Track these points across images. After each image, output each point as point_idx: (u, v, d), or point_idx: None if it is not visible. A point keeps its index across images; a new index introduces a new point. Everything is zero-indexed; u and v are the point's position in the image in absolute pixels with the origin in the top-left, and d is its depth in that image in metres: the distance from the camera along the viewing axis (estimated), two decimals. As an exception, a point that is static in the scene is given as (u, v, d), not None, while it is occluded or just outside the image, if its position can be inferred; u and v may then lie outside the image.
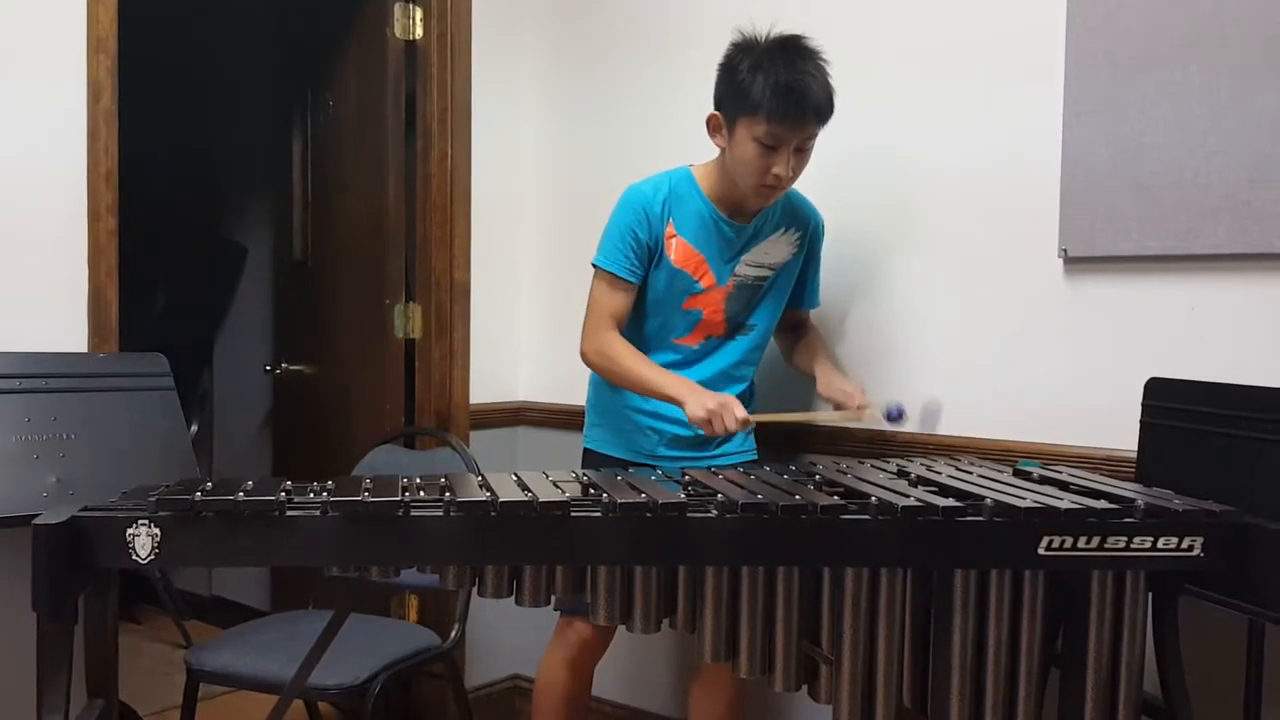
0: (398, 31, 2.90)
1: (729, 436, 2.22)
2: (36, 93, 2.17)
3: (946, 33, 2.29)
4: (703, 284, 2.17)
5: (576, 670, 2.25)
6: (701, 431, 2.09)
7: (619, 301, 2.16)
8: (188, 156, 4.15)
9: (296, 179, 3.32)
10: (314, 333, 3.27)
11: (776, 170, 2.02)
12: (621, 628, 1.61)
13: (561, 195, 3.03)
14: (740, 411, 1.99)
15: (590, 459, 2.28)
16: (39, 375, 2.01)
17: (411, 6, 2.90)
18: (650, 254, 2.16)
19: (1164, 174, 1.99)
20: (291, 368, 3.34)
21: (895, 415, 2.05)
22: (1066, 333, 2.14)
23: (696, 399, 2.02)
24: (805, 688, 1.62)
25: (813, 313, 2.40)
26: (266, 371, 3.47)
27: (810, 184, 2.25)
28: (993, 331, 2.23)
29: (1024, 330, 2.19)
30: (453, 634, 2.46)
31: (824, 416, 2.23)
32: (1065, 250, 2.12)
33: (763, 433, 2.35)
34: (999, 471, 1.86)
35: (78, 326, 2.22)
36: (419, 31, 2.90)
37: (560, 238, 3.02)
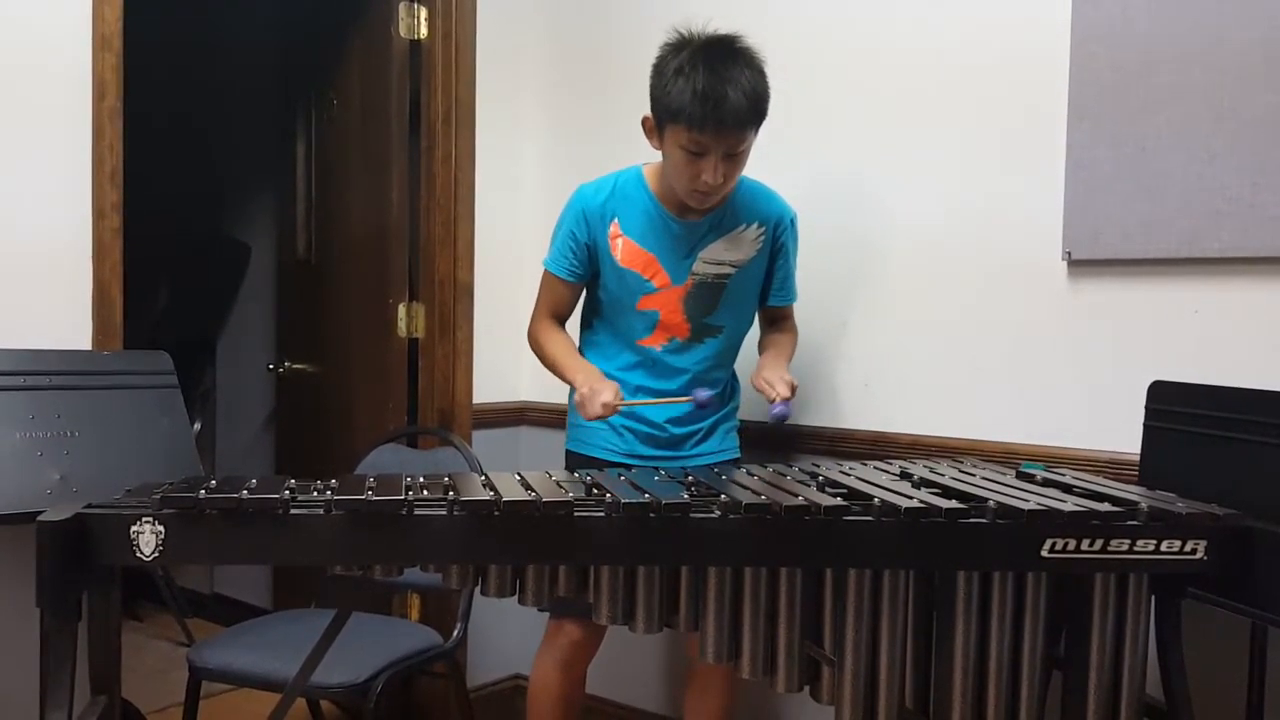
0: (402, 31, 2.90)
1: (706, 435, 2.24)
2: (40, 91, 2.17)
3: (951, 35, 2.29)
4: (655, 283, 2.15)
5: (569, 672, 2.24)
6: (675, 429, 2.19)
7: (558, 298, 2.25)
8: (192, 155, 4.16)
9: (300, 178, 3.32)
10: (317, 331, 3.27)
11: (705, 177, 1.99)
12: (614, 626, 1.61)
13: (564, 194, 3.02)
14: (607, 396, 2.01)
15: (571, 460, 2.28)
16: (43, 373, 2.01)
17: (416, 6, 2.90)
18: (590, 254, 2.17)
19: (1167, 177, 1.99)
20: (295, 366, 3.34)
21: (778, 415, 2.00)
22: (1070, 335, 2.14)
23: (580, 384, 2.06)
24: (807, 689, 1.62)
25: (816, 315, 2.40)
26: (270, 370, 3.48)
27: (810, 186, 2.25)
28: (996, 334, 2.23)
29: (1027, 333, 2.19)
30: (455, 633, 2.46)
31: (680, 400, 2.16)
32: (1069, 253, 2.12)
33: (755, 436, 2.36)
34: (1002, 474, 1.86)
35: (82, 324, 2.23)
36: (424, 31, 2.91)
37: (564, 238, 3.02)
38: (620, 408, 2.06)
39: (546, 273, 2.24)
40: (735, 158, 2.01)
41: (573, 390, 2.28)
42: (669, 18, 2.75)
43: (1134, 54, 2.02)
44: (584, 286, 2.24)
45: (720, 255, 2.17)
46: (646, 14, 2.83)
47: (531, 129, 3.10)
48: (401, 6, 2.89)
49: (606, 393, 2.01)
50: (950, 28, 2.29)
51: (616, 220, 2.16)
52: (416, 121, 2.95)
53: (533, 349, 2.28)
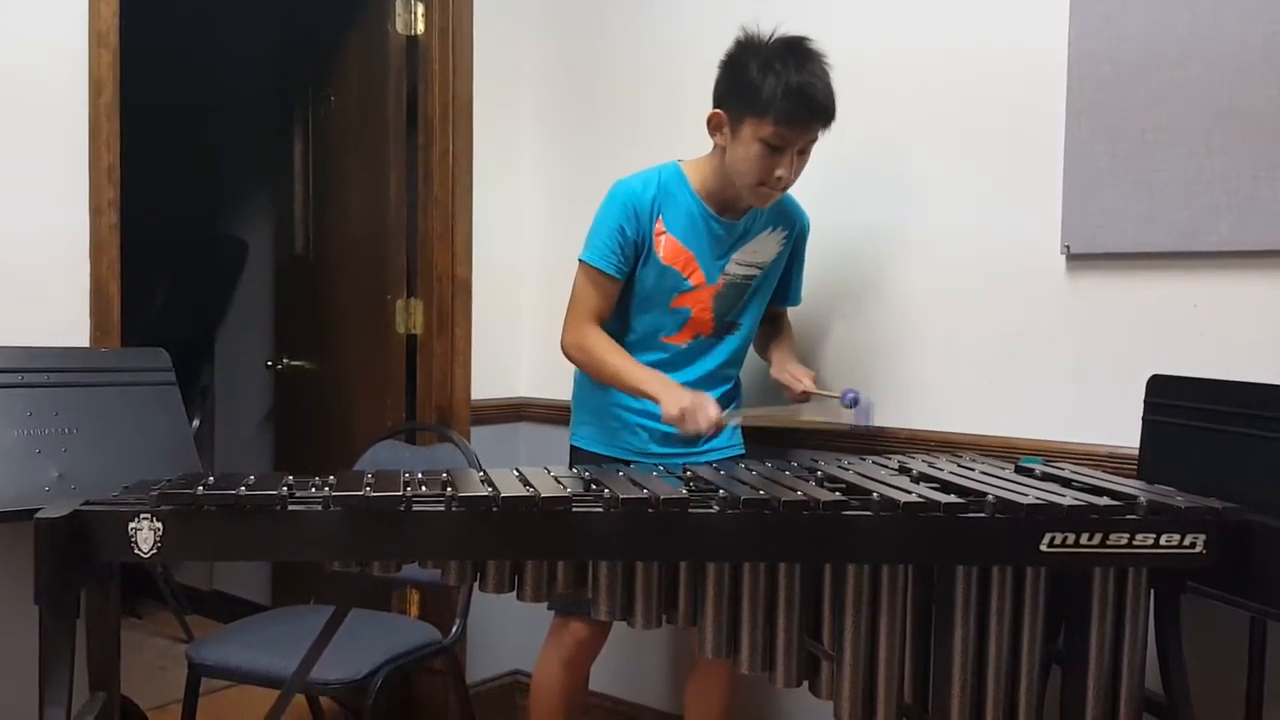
0: (399, 27, 2.90)
1: (715, 432, 2.23)
2: (37, 88, 2.16)
3: (949, 31, 2.28)
4: (692, 282, 2.16)
5: (573, 670, 2.25)
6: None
7: (602, 297, 2.17)
8: (189, 151, 4.15)
9: (298, 174, 3.32)
10: (315, 328, 3.27)
11: (779, 172, 2.02)
12: (618, 623, 1.61)
13: (563, 190, 3.03)
14: (714, 411, 2.01)
15: (578, 456, 2.27)
16: (41, 370, 2.01)
17: (413, 2, 2.89)
18: (637, 250, 2.15)
19: (1166, 171, 1.99)
20: (293, 363, 3.34)
21: (851, 402, 2.21)
22: (1069, 330, 2.14)
23: (672, 396, 2.03)
24: (806, 684, 1.62)
25: (817, 308, 2.40)
26: (268, 366, 3.47)
27: (811, 183, 2.25)
28: (995, 328, 2.23)
29: (1026, 327, 2.19)
30: (454, 629, 2.46)
31: (791, 410, 2.23)
32: (1068, 247, 2.12)
33: (755, 430, 2.35)
34: (1001, 468, 1.86)
35: (80, 321, 2.23)
36: (420, 27, 2.90)
37: (562, 233, 3.02)
38: (726, 422, 2.06)
39: (590, 271, 2.14)
40: (805, 154, 2.06)
41: (581, 385, 2.29)
42: (667, 15, 2.77)
43: (1132, 48, 2.02)
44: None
45: (749, 257, 2.20)
46: (645, 11, 2.83)
47: (530, 125, 3.09)
48: (399, 2, 2.88)
49: (710, 407, 2.01)
50: (949, 24, 2.29)
51: (661, 217, 2.15)
52: (414, 118, 2.94)
53: (577, 358, 2.19)
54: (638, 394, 2.12)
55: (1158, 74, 1.99)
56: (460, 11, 2.90)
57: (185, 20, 3.97)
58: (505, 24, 3.01)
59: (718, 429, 2.03)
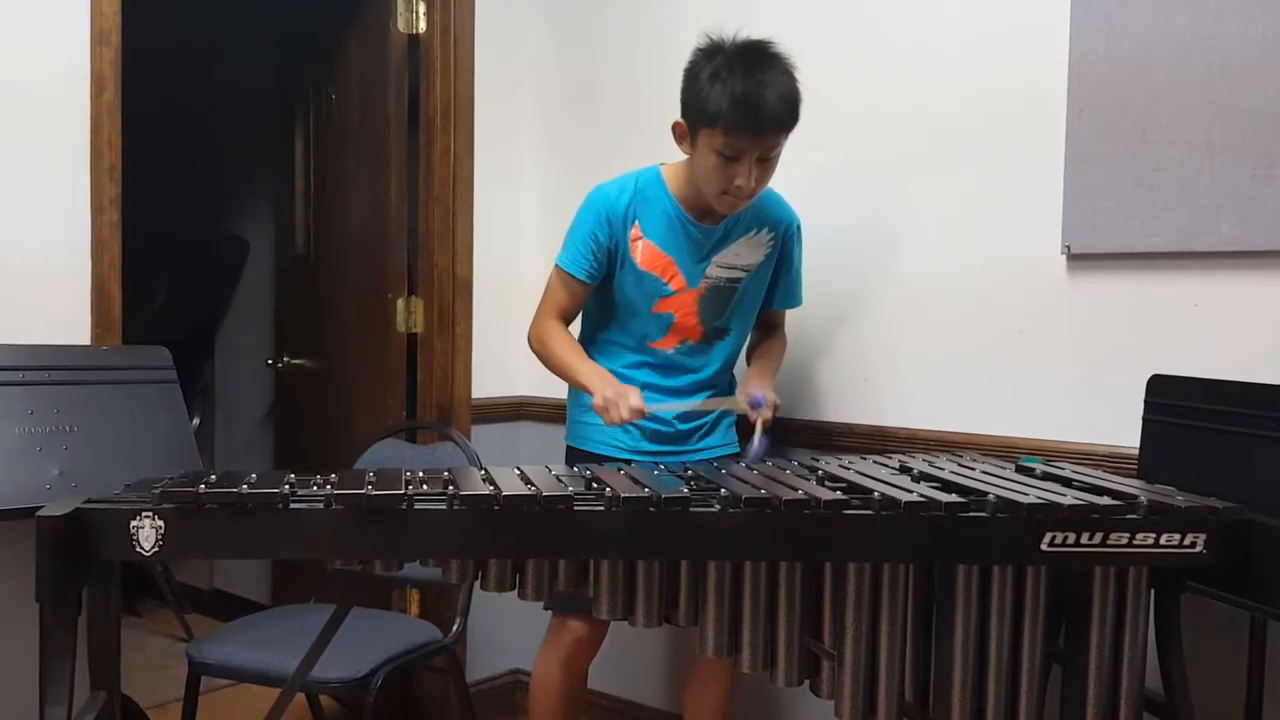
0: (400, 25, 2.90)
1: (709, 431, 2.25)
2: (39, 86, 2.17)
3: (951, 29, 2.28)
4: (672, 286, 2.16)
5: (571, 669, 2.24)
6: (681, 425, 2.18)
7: (569, 298, 2.20)
8: (190, 150, 4.15)
9: (299, 173, 3.32)
10: (316, 326, 3.27)
11: (738, 181, 1.99)
12: (617, 621, 1.61)
13: (563, 189, 3.02)
14: (635, 401, 2.00)
15: (572, 456, 2.28)
16: (42, 368, 2.01)
17: (414, 0, 2.89)
18: (611, 256, 2.16)
19: (1166, 170, 1.99)
20: (293, 361, 3.34)
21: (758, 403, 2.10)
22: (1069, 329, 2.14)
23: (600, 388, 2.04)
24: (807, 683, 1.62)
25: (814, 309, 2.40)
26: (268, 365, 3.47)
27: (812, 183, 2.25)
28: (995, 328, 2.23)
29: (1026, 326, 2.19)
30: (454, 628, 2.46)
31: (709, 404, 2.21)
32: (1068, 246, 2.12)
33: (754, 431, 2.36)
34: (1001, 467, 1.86)
35: (81, 319, 2.23)
36: (422, 25, 2.90)
37: (562, 232, 3.01)
38: (648, 413, 2.05)
39: (562, 273, 2.19)
40: (767, 162, 2.02)
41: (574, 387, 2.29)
42: (668, 14, 2.77)
43: (1133, 46, 2.02)
44: (595, 287, 2.21)
45: (733, 260, 2.18)
46: (646, 10, 2.83)
47: (531, 123, 3.09)
48: (400, 1, 2.88)
49: (633, 398, 2.00)
50: (951, 21, 2.29)
51: (638, 223, 2.15)
52: (415, 117, 2.94)
53: (535, 349, 2.24)
54: (579, 386, 2.13)
55: (1158, 73, 1.99)
56: (462, 10, 2.90)
57: (186, 20, 3.96)
58: (507, 23, 3.01)
59: (638, 417, 2.03)
